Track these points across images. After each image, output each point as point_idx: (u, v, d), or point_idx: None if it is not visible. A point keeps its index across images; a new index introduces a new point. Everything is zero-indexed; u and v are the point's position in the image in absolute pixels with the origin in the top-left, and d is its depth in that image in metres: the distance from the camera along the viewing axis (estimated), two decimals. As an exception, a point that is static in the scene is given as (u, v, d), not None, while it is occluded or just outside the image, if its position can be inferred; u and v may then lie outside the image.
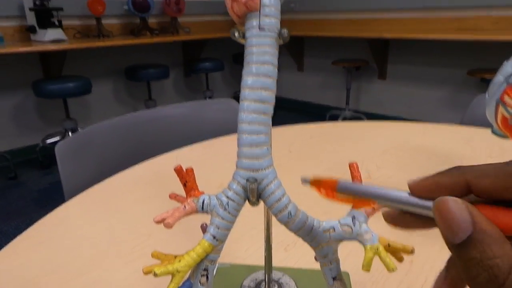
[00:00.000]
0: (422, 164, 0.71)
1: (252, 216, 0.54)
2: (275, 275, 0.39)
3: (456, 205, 0.15)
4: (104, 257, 0.46)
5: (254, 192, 0.25)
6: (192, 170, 0.27)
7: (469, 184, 0.16)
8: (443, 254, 0.43)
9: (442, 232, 0.15)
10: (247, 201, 0.26)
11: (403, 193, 0.18)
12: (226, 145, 0.83)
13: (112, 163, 0.79)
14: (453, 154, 0.75)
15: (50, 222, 0.54)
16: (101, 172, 0.71)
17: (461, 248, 0.14)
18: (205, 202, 0.26)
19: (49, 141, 2.76)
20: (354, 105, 3.62)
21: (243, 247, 0.46)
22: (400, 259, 0.24)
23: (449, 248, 0.15)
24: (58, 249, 0.47)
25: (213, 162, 0.74)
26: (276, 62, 0.26)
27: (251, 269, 0.40)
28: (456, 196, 0.16)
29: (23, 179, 2.47)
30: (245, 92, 0.26)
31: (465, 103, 2.89)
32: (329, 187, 0.21)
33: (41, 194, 2.26)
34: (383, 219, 0.21)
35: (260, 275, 0.39)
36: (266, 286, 0.37)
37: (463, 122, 1.03)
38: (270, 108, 0.26)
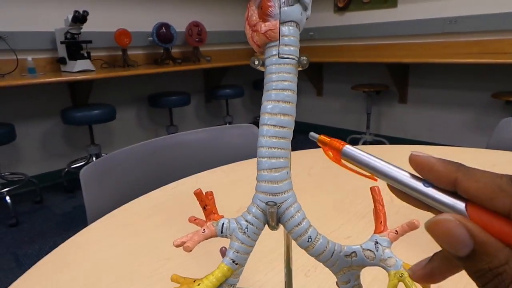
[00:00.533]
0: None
1: (272, 240, 0.53)
2: (296, 302, 0.38)
3: (451, 223, 0.15)
4: (125, 280, 0.46)
5: (273, 216, 0.25)
6: (212, 193, 0.28)
7: (456, 182, 0.16)
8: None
9: (442, 247, 0.16)
10: (266, 225, 0.26)
11: (404, 173, 0.19)
12: (246, 169, 0.83)
13: (134, 187, 0.80)
14: (480, 179, 0.73)
15: (72, 245, 0.55)
16: (123, 196, 0.72)
17: (467, 261, 0.15)
18: (224, 225, 0.26)
19: (74, 166, 2.84)
20: (375, 129, 3.59)
21: (263, 271, 0.45)
22: (426, 287, 0.23)
23: (453, 258, 0.16)
24: (80, 272, 0.48)
25: (233, 186, 0.74)
26: (295, 88, 0.27)
27: (271, 296, 0.39)
28: (439, 187, 0.17)
29: (48, 203, 2.53)
30: (264, 117, 0.26)
31: (490, 127, 2.81)
32: (335, 150, 0.21)
33: (65, 218, 2.31)
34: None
35: (280, 302, 0.38)
36: (287, 314, 0.36)
37: (490, 146, 1.00)
38: (289, 132, 0.26)
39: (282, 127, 0.26)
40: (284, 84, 0.26)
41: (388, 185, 0.20)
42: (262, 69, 0.28)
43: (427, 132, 3.27)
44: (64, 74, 2.59)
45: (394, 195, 0.20)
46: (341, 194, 0.67)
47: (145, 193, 0.73)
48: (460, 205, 0.16)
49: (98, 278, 0.47)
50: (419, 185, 0.18)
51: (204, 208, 0.27)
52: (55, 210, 2.43)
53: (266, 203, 0.25)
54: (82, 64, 2.61)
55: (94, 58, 2.87)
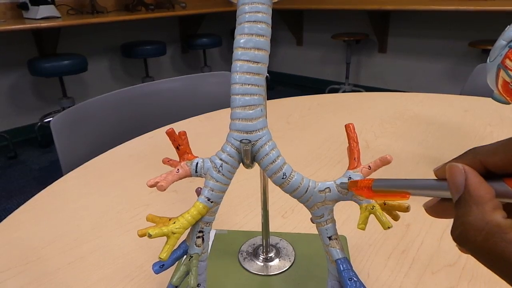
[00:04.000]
0: (420, 133, 0.70)
1: (249, 185, 0.54)
2: (273, 240, 0.39)
3: (457, 169, 0.16)
4: (103, 226, 0.46)
5: (248, 154, 0.25)
6: (185, 133, 0.27)
7: (483, 164, 0.17)
8: (439, 220, 0.44)
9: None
10: (241, 164, 0.26)
11: (431, 180, 0.18)
12: (223, 118, 0.82)
13: (109, 137, 0.79)
14: (452, 123, 0.75)
15: (48, 195, 0.54)
16: (98, 146, 0.71)
17: (455, 206, 0.16)
18: (198, 165, 0.26)
19: (47, 120, 2.74)
20: (354, 79, 3.58)
21: (241, 214, 0.46)
22: (396, 218, 0.24)
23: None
24: (58, 221, 0.48)
25: (210, 135, 0.74)
26: (269, 21, 0.25)
27: (249, 234, 0.40)
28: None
29: (23, 158, 2.47)
30: (237, 53, 0.25)
31: (466, 75, 2.85)
32: (365, 186, 0.22)
33: (41, 173, 2.27)
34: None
35: (258, 240, 0.39)
36: (264, 250, 0.37)
37: (463, 92, 1.02)
38: (264, 68, 0.25)
39: (256, 62, 0.25)
40: (258, 16, 0.25)
41: (425, 210, 0.19)
42: (235, 0, 0.26)
43: (405, 82, 3.29)
44: (27, 21, 2.41)
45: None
46: (319, 141, 0.68)
47: (121, 142, 0.71)
48: (500, 184, 0.16)
49: (77, 226, 0.47)
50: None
51: (177, 148, 0.26)
52: (31, 165, 2.38)
53: (240, 141, 0.25)
54: (45, 10, 2.42)
55: (59, 4, 2.66)
